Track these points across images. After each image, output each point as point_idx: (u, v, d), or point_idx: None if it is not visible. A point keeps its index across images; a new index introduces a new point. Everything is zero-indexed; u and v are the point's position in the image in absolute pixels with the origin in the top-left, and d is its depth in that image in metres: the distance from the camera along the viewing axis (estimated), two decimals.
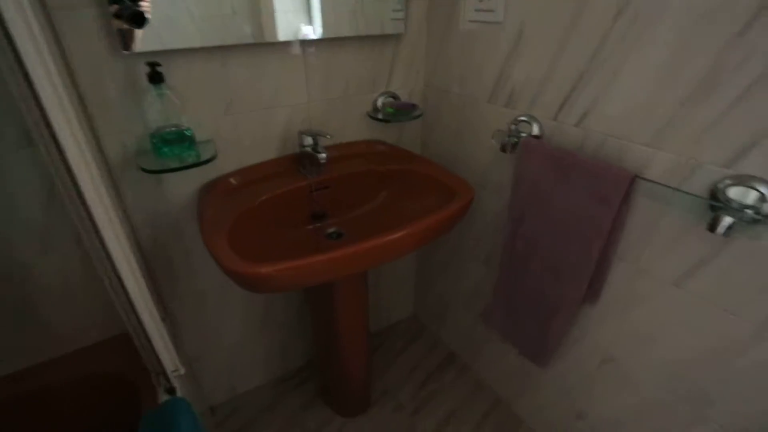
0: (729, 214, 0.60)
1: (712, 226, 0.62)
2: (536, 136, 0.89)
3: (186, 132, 0.83)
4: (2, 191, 0.76)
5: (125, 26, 0.69)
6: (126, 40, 0.70)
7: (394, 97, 1.11)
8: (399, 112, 1.09)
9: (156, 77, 0.74)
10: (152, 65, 0.73)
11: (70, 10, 0.67)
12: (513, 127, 0.92)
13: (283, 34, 0.86)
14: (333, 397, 1.29)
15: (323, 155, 0.92)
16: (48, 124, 0.57)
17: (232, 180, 0.94)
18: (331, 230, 1.00)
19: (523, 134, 0.89)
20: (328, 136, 0.92)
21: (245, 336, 1.25)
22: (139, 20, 0.67)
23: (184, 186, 0.92)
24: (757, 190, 0.59)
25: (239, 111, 0.91)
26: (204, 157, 0.82)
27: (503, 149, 0.93)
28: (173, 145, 0.82)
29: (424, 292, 1.58)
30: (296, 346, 1.40)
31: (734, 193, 0.61)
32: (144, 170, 0.78)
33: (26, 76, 0.53)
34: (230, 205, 0.86)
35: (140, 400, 0.87)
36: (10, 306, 0.86)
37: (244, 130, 0.94)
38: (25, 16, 0.51)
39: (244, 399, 1.34)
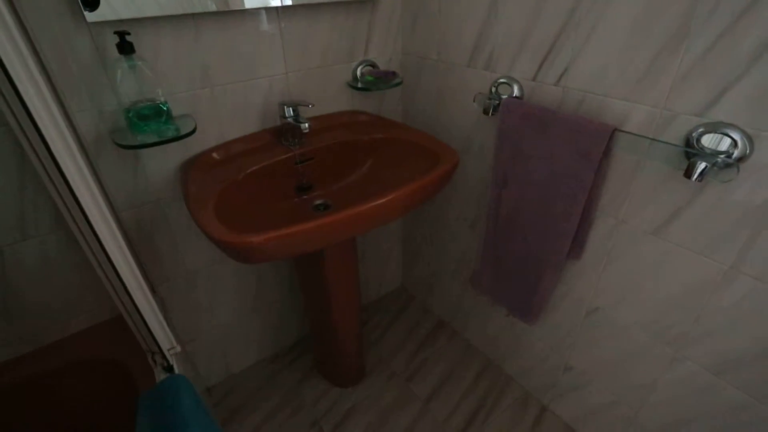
0: (704, 160, 0.63)
1: (688, 173, 0.64)
2: (517, 97, 0.90)
3: (162, 106, 0.80)
4: None
5: None
6: (89, 6, 0.67)
7: (373, 65, 1.10)
8: (378, 80, 1.08)
9: (126, 47, 0.71)
10: (121, 34, 0.70)
11: None
12: (494, 89, 0.92)
13: (250, 2, 0.84)
14: (329, 369, 1.31)
15: (305, 125, 0.91)
16: (22, 102, 0.55)
17: (214, 155, 0.92)
18: (318, 202, 0.99)
19: (504, 96, 0.90)
20: (310, 106, 0.91)
21: (238, 315, 1.25)
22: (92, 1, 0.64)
23: (164, 162, 0.90)
24: (729, 136, 0.62)
25: (216, 83, 0.89)
26: (183, 131, 0.80)
27: (485, 112, 0.94)
28: (150, 121, 0.80)
29: (411, 263, 1.60)
30: (289, 322, 1.41)
31: (707, 140, 0.64)
32: (120, 146, 0.76)
33: None
34: (214, 180, 0.85)
35: (135, 382, 0.87)
36: None
37: (222, 103, 0.92)
38: None
39: (241, 378, 1.35)
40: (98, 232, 0.67)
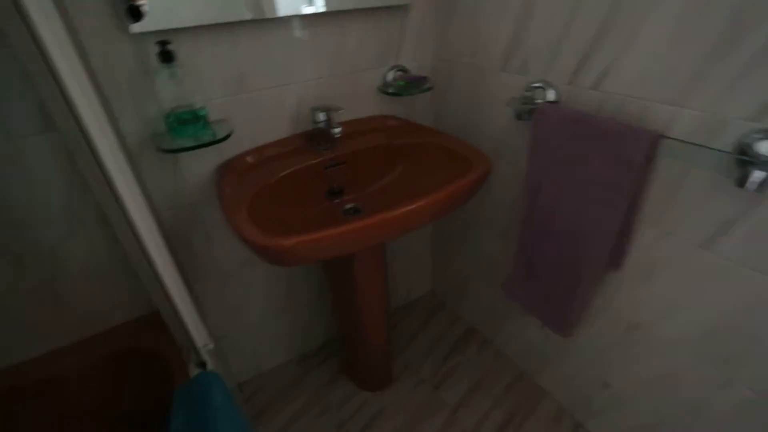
0: (759, 169, 0.58)
1: (741, 182, 0.59)
2: (552, 102, 0.86)
3: (200, 112, 0.83)
4: (25, 176, 0.79)
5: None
6: (134, 17, 0.71)
7: (404, 70, 1.10)
8: (410, 85, 1.07)
9: (167, 56, 0.74)
10: (162, 44, 0.73)
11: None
12: (527, 94, 0.89)
13: (283, 10, 0.85)
14: (356, 372, 1.32)
15: (337, 130, 0.92)
16: (71, 108, 0.58)
17: (248, 158, 0.95)
18: (348, 206, 1.00)
19: (539, 101, 0.87)
20: (341, 111, 0.92)
21: (268, 315, 1.27)
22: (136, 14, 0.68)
23: (200, 166, 0.93)
24: None
25: (251, 89, 0.91)
26: (219, 136, 0.83)
27: (518, 117, 0.91)
28: (188, 125, 0.83)
29: (441, 268, 1.58)
30: (318, 323, 1.43)
31: (765, 147, 0.58)
32: (162, 150, 0.79)
33: (46, 59, 0.54)
34: (248, 183, 0.87)
35: (171, 376, 0.91)
36: (38, 288, 0.89)
37: (256, 108, 0.94)
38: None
39: (270, 376, 1.37)
40: (138, 231, 0.70)
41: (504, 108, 0.98)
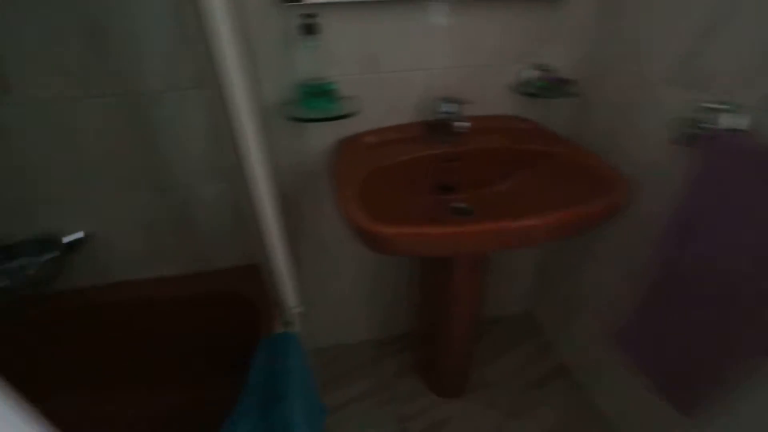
0: None
1: None
2: (733, 130, 0.69)
3: (330, 86, 0.86)
4: (178, 123, 0.90)
5: None
6: None
7: (546, 69, 0.99)
8: (550, 87, 0.96)
9: (311, 28, 0.77)
10: (307, 16, 0.76)
11: None
12: (698, 115, 0.73)
13: None
14: (429, 373, 1.28)
15: (464, 124, 0.87)
16: (224, 68, 0.64)
17: (367, 139, 0.96)
18: (457, 205, 0.95)
19: (711, 125, 0.70)
20: (470, 104, 0.87)
21: (354, 291, 1.30)
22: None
23: (323, 138, 0.97)
24: None
25: (382, 70, 0.92)
26: (346, 112, 0.84)
27: (679, 142, 0.76)
28: (319, 98, 0.86)
29: (543, 290, 1.44)
30: (399, 313, 1.42)
31: None
32: (290, 118, 0.83)
33: (212, 24, 0.60)
34: (362, 163, 0.88)
35: (258, 327, 0.98)
36: (172, 217, 1.03)
37: (384, 90, 0.94)
38: None
39: (345, 350, 1.41)
40: (258, 186, 0.75)
41: (661, 128, 0.83)
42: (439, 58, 0.93)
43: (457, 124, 0.88)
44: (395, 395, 1.27)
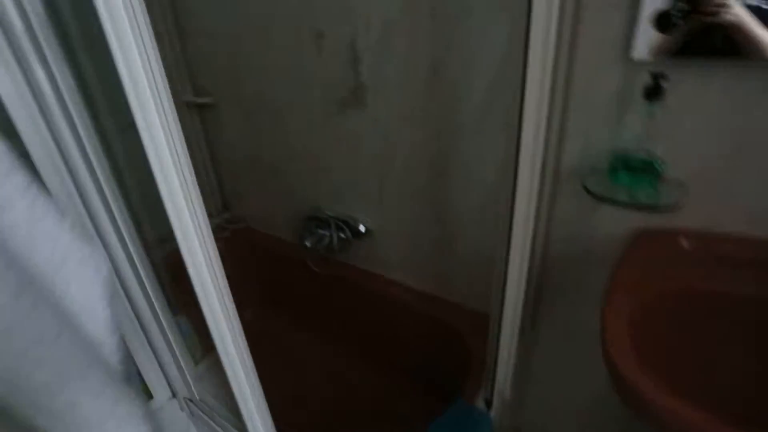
0: None
1: None
2: None
3: (655, 164, 0.66)
4: (479, 162, 0.92)
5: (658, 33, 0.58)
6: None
7: None
8: None
9: (654, 91, 0.60)
10: (656, 77, 0.59)
11: (598, 11, 0.64)
12: None
13: None
14: None
15: None
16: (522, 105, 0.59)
17: (683, 242, 0.70)
18: None
19: None
20: None
21: (579, 398, 1.02)
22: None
23: (617, 221, 0.77)
24: None
25: (744, 160, 0.63)
26: (662, 202, 0.63)
27: None
28: (633, 174, 0.68)
29: None
30: None
31: None
32: (588, 190, 0.69)
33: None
34: (663, 275, 0.65)
35: (462, 379, 0.90)
36: (437, 236, 1.07)
37: (735, 185, 0.65)
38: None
39: None
40: (512, 239, 0.68)
41: None
42: None
43: None
44: None
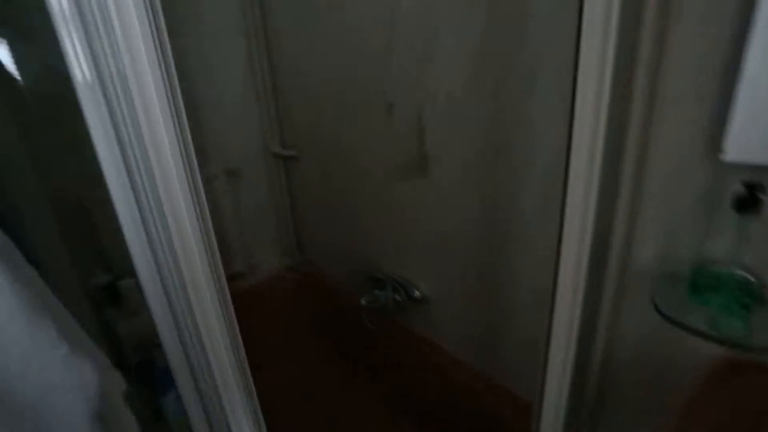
0: None
1: None
2: None
3: (753, 289, 0.53)
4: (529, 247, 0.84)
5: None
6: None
7: None
8: None
9: (747, 204, 0.49)
10: (751, 188, 0.49)
11: (674, 103, 0.55)
12: None
13: None
14: None
15: None
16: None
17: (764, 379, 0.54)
18: None
19: None
20: None
21: None
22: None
23: (694, 350, 0.63)
24: None
25: None
26: (755, 341, 0.51)
27: None
28: (721, 296, 0.56)
29: None
30: None
31: None
32: (657, 309, 0.58)
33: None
34: (745, 416, 0.51)
35: None
36: (485, 320, 1.00)
37: None
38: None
39: None
40: (549, 356, 0.60)
41: None
42: None
43: None
44: None
